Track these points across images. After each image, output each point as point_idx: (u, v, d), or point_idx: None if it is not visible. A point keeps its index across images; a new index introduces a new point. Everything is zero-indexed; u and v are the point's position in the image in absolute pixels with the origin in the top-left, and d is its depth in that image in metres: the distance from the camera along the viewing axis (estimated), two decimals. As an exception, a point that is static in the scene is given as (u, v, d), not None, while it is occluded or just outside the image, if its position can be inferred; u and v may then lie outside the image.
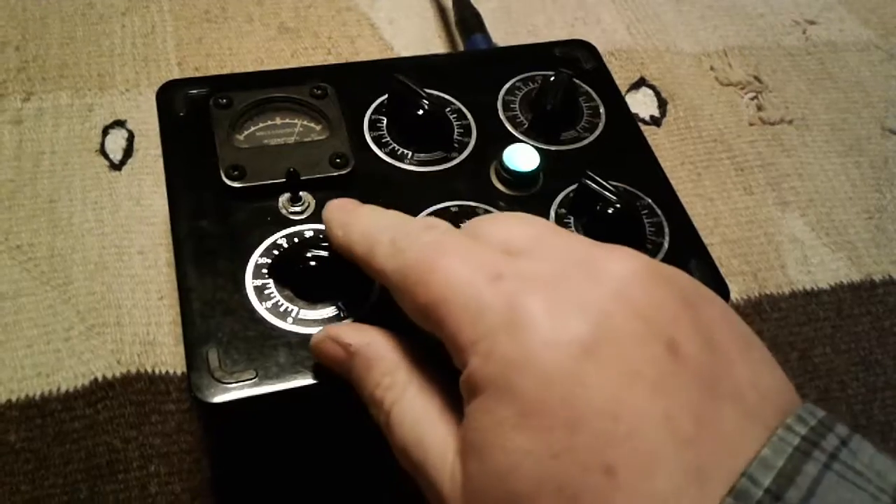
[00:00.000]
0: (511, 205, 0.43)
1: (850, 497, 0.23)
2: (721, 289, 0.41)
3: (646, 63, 0.66)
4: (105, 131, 0.56)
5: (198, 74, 0.59)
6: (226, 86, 0.45)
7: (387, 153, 0.44)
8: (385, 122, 0.45)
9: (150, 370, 0.45)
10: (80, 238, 0.50)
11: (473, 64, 0.51)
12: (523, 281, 0.28)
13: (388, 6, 0.68)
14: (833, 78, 0.68)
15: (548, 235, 0.30)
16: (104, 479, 0.42)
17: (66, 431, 0.43)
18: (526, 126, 0.47)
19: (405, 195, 0.42)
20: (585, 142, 0.46)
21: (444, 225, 0.32)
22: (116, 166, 0.54)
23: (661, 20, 0.70)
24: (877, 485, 0.23)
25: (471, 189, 0.43)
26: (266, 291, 0.38)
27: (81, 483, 0.42)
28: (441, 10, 0.68)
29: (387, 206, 0.41)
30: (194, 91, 0.45)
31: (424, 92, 0.44)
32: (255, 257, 0.39)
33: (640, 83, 0.65)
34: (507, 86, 0.48)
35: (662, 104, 0.63)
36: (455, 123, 0.46)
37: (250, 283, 0.38)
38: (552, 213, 0.43)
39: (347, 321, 0.37)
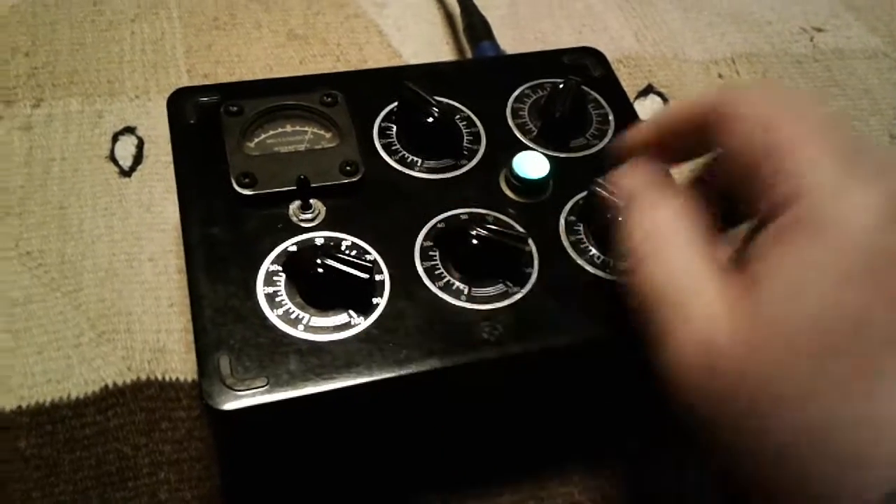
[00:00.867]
0: (520, 212, 0.43)
1: None
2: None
3: (654, 70, 0.67)
4: (115, 138, 0.56)
5: (207, 81, 0.60)
6: (236, 93, 0.45)
7: (396, 160, 0.44)
8: (395, 129, 0.45)
9: (160, 377, 0.45)
10: (90, 245, 0.50)
11: (482, 71, 0.51)
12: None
13: (396, 13, 0.68)
14: (840, 85, 0.68)
15: None
16: (114, 487, 0.42)
17: (76, 438, 0.43)
18: (535, 133, 0.47)
19: (415, 202, 0.42)
20: (595, 149, 0.46)
21: None
22: (126, 173, 0.54)
23: (669, 27, 0.70)
24: None
25: (480, 196, 0.43)
26: (277, 299, 0.38)
27: (91, 490, 0.42)
28: (449, 17, 0.68)
29: (396, 213, 0.42)
30: (205, 98, 0.45)
31: (434, 99, 0.44)
32: (266, 264, 0.39)
33: (648, 90, 0.65)
34: (516, 93, 0.49)
35: (670, 111, 0.63)
36: (464, 131, 0.46)
37: (261, 290, 0.38)
38: (562, 221, 0.43)
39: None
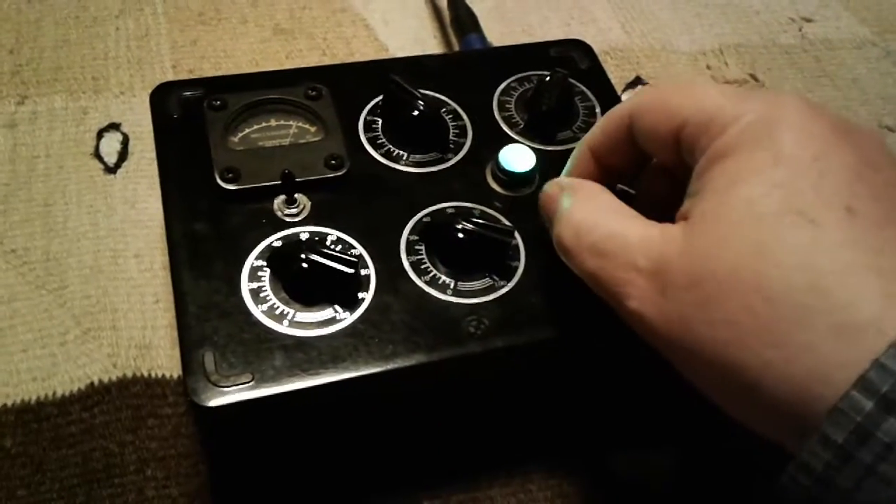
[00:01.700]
0: (507, 206, 0.43)
1: None
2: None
3: (641, 62, 0.66)
4: (100, 134, 0.56)
5: (192, 76, 0.59)
6: (220, 87, 0.45)
7: (382, 154, 0.44)
8: (380, 123, 0.45)
9: (146, 374, 0.45)
10: (75, 242, 0.50)
11: (469, 64, 0.51)
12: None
13: (382, 7, 0.68)
14: (829, 76, 0.68)
15: None
16: (101, 484, 0.42)
17: (62, 436, 0.43)
18: (522, 126, 0.46)
19: (401, 196, 0.42)
20: (581, 142, 0.46)
21: None
22: (111, 169, 0.54)
23: (657, 18, 0.70)
24: None
25: (466, 190, 0.43)
26: (262, 294, 0.38)
27: (78, 488, 0.42)
28: (436, 10, 0.67)
29: (382, 207, 0.41)
30: (188, 93, 0.45)
31: (420, 93, 0.44)
32: (251, 260, 0.39)
33: (636, 82, 0.65)
34: (502, 86, 0.48)
35: (658, 103, 0.63)
36: (450, 124, 0.46)
37: (246, 285, 0.38)
38: (548, 214, 0.42)
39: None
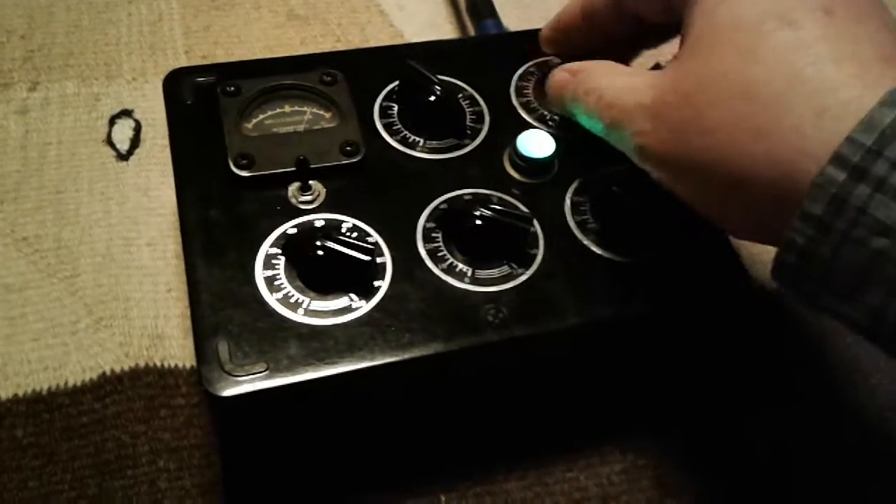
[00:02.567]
0: (525, 192, 0.42)
1: None
2: (740, 276, 0.40)
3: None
4: (112, 121, 0.55)
5: (205, 62, 0.59)
6: (234, 73, 0.44)
7: (398, 140, 0.43)
8: (396, 109, 0.44)
9: (158, 364, 0.45)
10: (87, 230, 0.49)
11: (486, 49, 0.50)
12: None
13: (397, -8, 0.67)
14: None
15: None
16: (112, 475, 0.41)
17: (73, 426, 0.43)
18: (540, 111, 0.46)
19: (417, 183, 0.41)
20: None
21: None
22: (124, 156, 0.53)
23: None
24: None
25: (484, 176, 0.42)
26: (276, 282, 0.37)
27: (90, 479, 0.41)
28: (452, -4, 0.67)
29: (398, 194, 0.41)
30: (202, 79, 0.44)
31: (436, 78, 0.43)
32: (265, 248, 0.38)
33: (655, 68, 0.64)
34: (520, 71, 0.47)
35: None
36: (467, 110, 0.45)
37: (260, 273, 0.37)
38: (567, 201, 0.42)
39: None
